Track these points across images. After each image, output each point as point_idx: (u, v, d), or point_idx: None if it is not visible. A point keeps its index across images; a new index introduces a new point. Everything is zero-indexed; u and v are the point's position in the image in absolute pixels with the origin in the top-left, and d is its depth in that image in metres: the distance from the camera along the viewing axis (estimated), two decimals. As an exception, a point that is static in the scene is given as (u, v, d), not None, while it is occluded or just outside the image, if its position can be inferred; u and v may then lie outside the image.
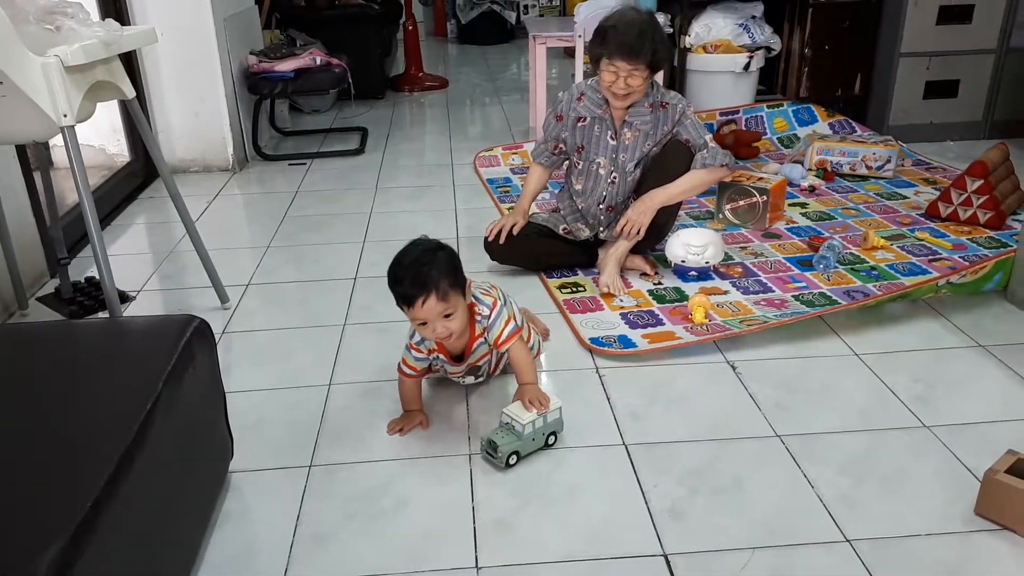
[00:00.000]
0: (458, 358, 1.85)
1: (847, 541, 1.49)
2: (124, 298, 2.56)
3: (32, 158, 2.64)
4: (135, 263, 2.88)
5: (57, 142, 2.05)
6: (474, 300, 1.79)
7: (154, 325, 1.59)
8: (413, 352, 1.81)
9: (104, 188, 3.40)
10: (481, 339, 1.81)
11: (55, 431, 1.22)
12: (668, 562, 1.45)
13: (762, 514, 1.57)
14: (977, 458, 1.68)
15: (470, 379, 1.94)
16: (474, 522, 1.55)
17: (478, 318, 1.78)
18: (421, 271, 1.64)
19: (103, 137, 3.81)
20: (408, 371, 1.83)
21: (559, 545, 1.49)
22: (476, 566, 1.45)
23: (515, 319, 1.84)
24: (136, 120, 2.20)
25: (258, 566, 1.48)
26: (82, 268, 2.74)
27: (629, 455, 1.75)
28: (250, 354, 2.22)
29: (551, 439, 1.75)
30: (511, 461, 1.67)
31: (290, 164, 4.01)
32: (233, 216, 3.41)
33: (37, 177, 2.46)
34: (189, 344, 1.46)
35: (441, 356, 1.82)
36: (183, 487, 1.41)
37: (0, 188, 2.29)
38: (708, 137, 2.49)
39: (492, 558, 1.46)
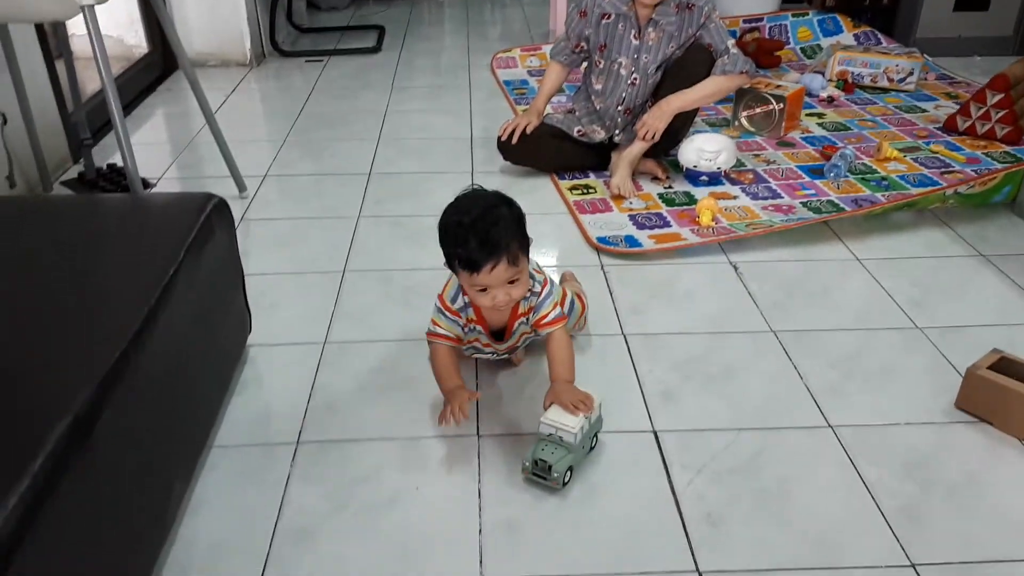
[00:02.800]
0: (497, 335, 1.61)
1: (829, 427, 1.58)
2: (145, 185, 2.61)
3: (53, 45, 2.66)
4: (154, 152, 2.93)
5: (77, 31, 2.08)
6: None
7: (175, 201, 1.65)
8: (448, 315, 1.55)
9: (123, 79, 3.41)
10: (523, 318, 1.57)
11: (83, 292, 1.30)
12: (657, 438, 1.54)
13: (750, 400, 1.65)
14: (965, 358, 1.73)
15: (491, 356, 1.70)
16: (476, 377, 1.63)
17: (528, 294, 1.52)
18: (491, 232, 1.38)
19: (121, 28, 3.79)
20: (442, 332, 1.55)
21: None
22: (477, 433, 1.55)
23: (562, 306, 1.61)
24: (155, 7, 2.21)
25: (273, 428, 1.58)
26: (104, 156, 2.79)
27: (627, 344, 1.83)
28: (267, 240, 2.29)
29: (594, 440, 1.50)
30: (567, 479, 1.41)
31: (307, 60, 4.00)
32: (251, 110, 3.43)
33: (59, 66, 2.49)
34: (209, 219, 1.52)
35: (479, 328, 1.58)
36: (204, 352, 1.50)
37: (24, 74, 2.32)
38: (731, 43, 2.47)
39: (488, 427, 1.56)
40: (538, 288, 1.54)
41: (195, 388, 1.45)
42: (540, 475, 1.39)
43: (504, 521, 1.36)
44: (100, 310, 1.24)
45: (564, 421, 1.41)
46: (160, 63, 3.74)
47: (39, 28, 2.55)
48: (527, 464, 1.41)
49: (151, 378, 1.22)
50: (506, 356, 1.70)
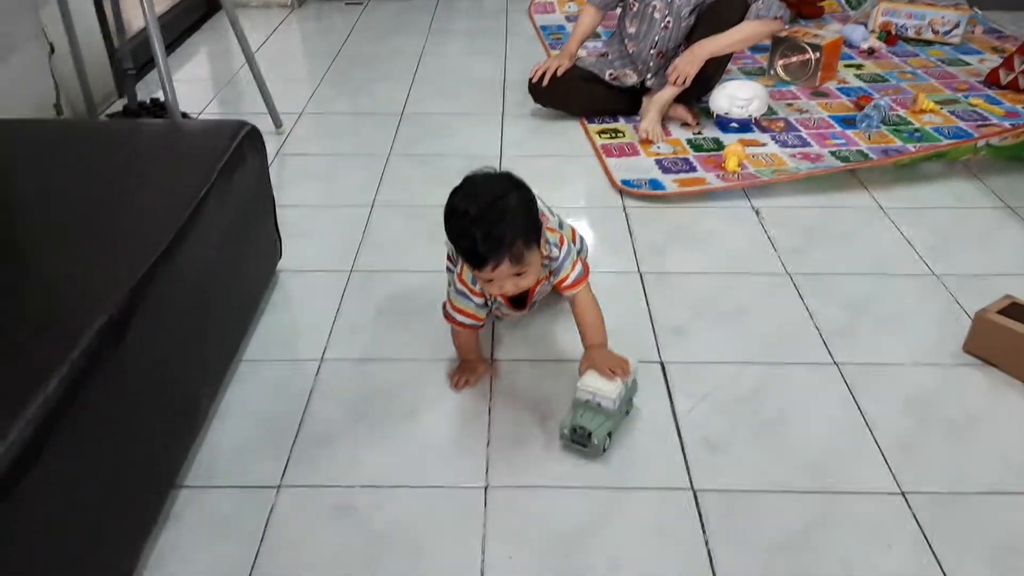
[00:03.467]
0: (518, 302, 1.58)
1: (835, 364, 1.61)
2: (184, 117, 2.70)
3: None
4: (196, 88, 3.01)
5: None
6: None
7: (210, 127, 1.73)
8: (470, 295, 1.48)
9: (167, 16, 3.49)
10: (544, 282, 1.51)
11: (120, 207, 1.38)
12: (664, 368, 1.60)
13: (759, 337, 1.69)
14: (979, 305, 1.74)
15: (508, 319, 1.69)
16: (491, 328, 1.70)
17: (545, 262, 1.44)
18: (494, 230, 1.29)
19: (166, -33, 3.86)
20: (463, 319, 1.50)
21: (569, 346, 1.64)
22: (492, 358, 1.62)
23: (573, 242, 1.57)
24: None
25: (299, 346, 1.67)
26: (149, 91, 2.88)
27: (642, 281, 1.87)
28: (300, 174, 2.37)
29: (631, 405, 1.48)
30: (607, 445, 1.39)
31: (347, 3, 4.03)
32: (290, 50, 3.49)
33: (106, 1, 2.56)
34: (241, 145, 1.60)
35: (499, 299, 1.55)
36: (233, 271, 1.58)
37: (71, 7, 2.40)
38: (765, -15, 2.45)
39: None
40: (556, 252, 1.44)
41: (224, 303, 1.53)
42: (579, 442, 1.37)
43: (510, 437, 1.44)
44: (135, 224, 1.33)
45: (601, 387, 1.38)
46: (204, 2, 3.81)
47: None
48: (565, 431, 1.38)
49: (181, 289, 1.30)
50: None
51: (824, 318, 1.74)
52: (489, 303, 1.53)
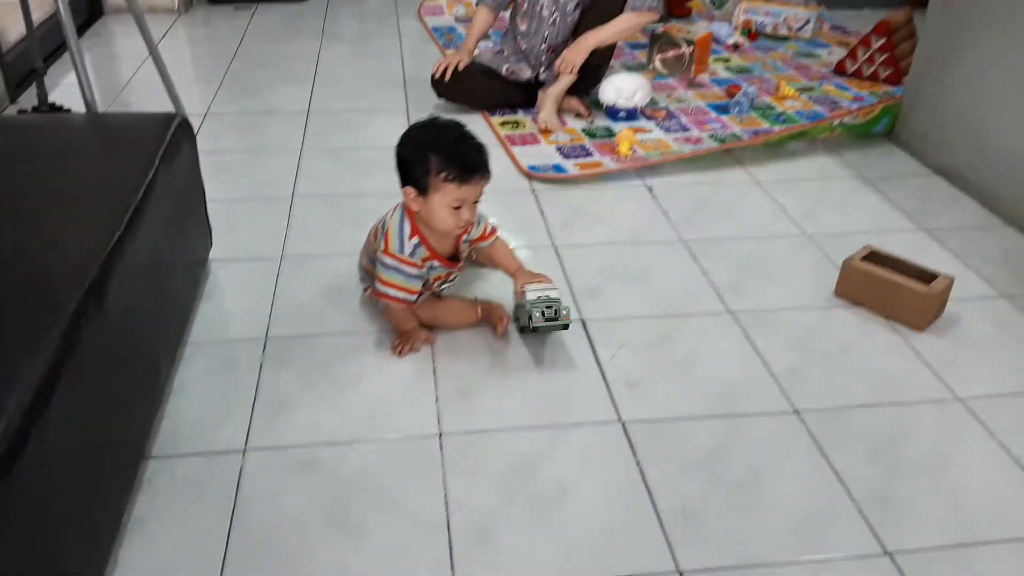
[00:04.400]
0: (451, 258, 1.71)
1: (728, 312, 1.84)
2: (87, 122, 2.68)
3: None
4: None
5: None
6: None
7: (139, 119, 1.78)
8: (407, 268, 1.60)
9: (47, 25, 3.40)
10: (464, 237, 1.70)
11: (70, 199, 1.42)
12: (584, 325, 1.78)
13: (660, 295, 1.90)
14: (845, 257, 2.02)
15: (447, 286, 1.81)
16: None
17: None
18: (484, 151, 1.56)
19: (42, -29, 3.75)
20: (397, 294, 1.62)
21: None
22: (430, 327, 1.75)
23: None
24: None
25: (242, 327, 1.75)
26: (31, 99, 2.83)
27: (557, 253, 2.05)
28: (217, 170, 2.39)
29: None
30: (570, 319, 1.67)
31: (236, 8, 4.04)
32: (183, 54, 3.49)
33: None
34: (176, 134, 1.66)
35: (434, 262, 1.66)
36: (176, 255, 1.65)
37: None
38: (641, -17, 2.69)
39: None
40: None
41: (172, 285, 1.60)
42: (551, 319, 1.63)
43: (456, 389, 1.58)
44: (95, 206, 1.38)
45: (543, 285, 1.67)
46: (86, 9, 3.73)
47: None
48: (531, 320, 1.62)
49: (140, 265, 1.37)
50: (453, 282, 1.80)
51: (717, 275, 1.97)
52: (423, 270, 1.64)
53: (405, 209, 1.63)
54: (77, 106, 2.56)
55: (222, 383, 1.58)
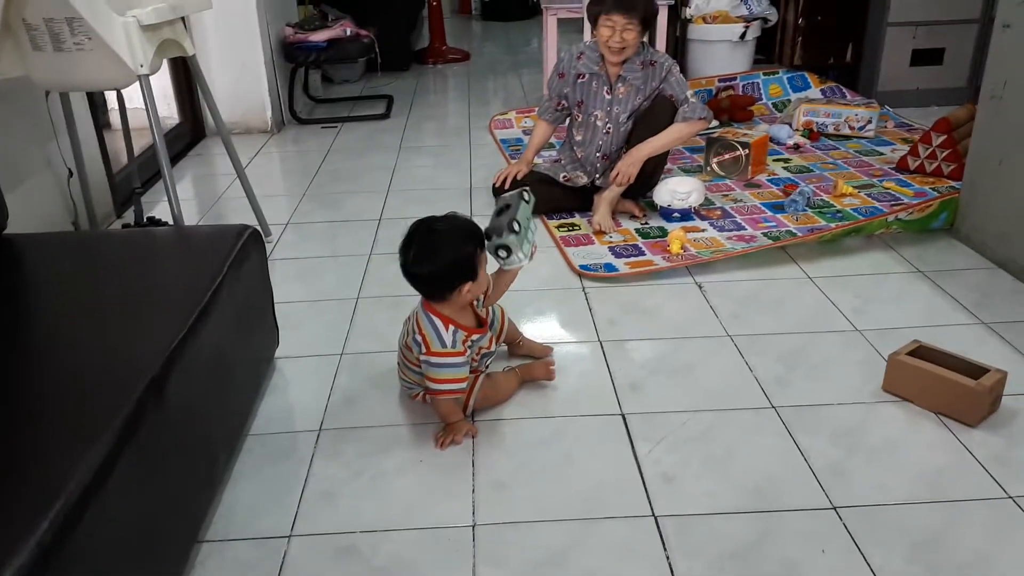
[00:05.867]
0: (479, 325, 1.83)
1: (772, 407, 1.85)
2: (181, 233, 2.96)
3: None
4: (187, 207, 3.26)
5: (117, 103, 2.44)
6: None
7: (215, 230, 1.98)
8: (454, 359, 1.71)
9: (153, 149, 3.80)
10: (476, 304, 1.85)
11: (144, 298, 1.60)
12: (624, 419, 1.82)
13: (706, 389, 1.92)
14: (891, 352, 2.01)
15: (490, 360, 1.91)
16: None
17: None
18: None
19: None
20: (452, 387, 1.73)
21: (541, 405, 1.86)
22: (473, 419, 1.83)
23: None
24: (195, 75, 2.59)
25: (299, 420, 1.86)
26: (144, 211, 3.14)
27: (602, 349, 2.11)
28: (290, 275, 2.61)
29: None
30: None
31: (323, 127, 4.40)
32: (272, 170, 3.80)
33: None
34: (246, 243, 1.84)
35: (473, 336, 1.76)
36: (241, 353, 1.79)
37: (79, 136, 2.69)
38: (689, 93, 2.82)
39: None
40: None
41: (234, 381, 1.74)
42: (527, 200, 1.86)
43: (492, 481, 1.64)
44: (163, 308, 1.55)
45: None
46: (189, 133, 4.14)
47: (89, 96, 2.93)
48: (504, 228, 1.76)
49: (202, 363, 1.51)
50: (493, 354, 1.91)
51: (762, 370, 1.98)
52: (467, 353, 1.74)
53: (425, 311, 1.75)
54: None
55: (276, 472, 1.69)
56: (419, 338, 1.73)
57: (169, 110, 4.23)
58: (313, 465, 1.70)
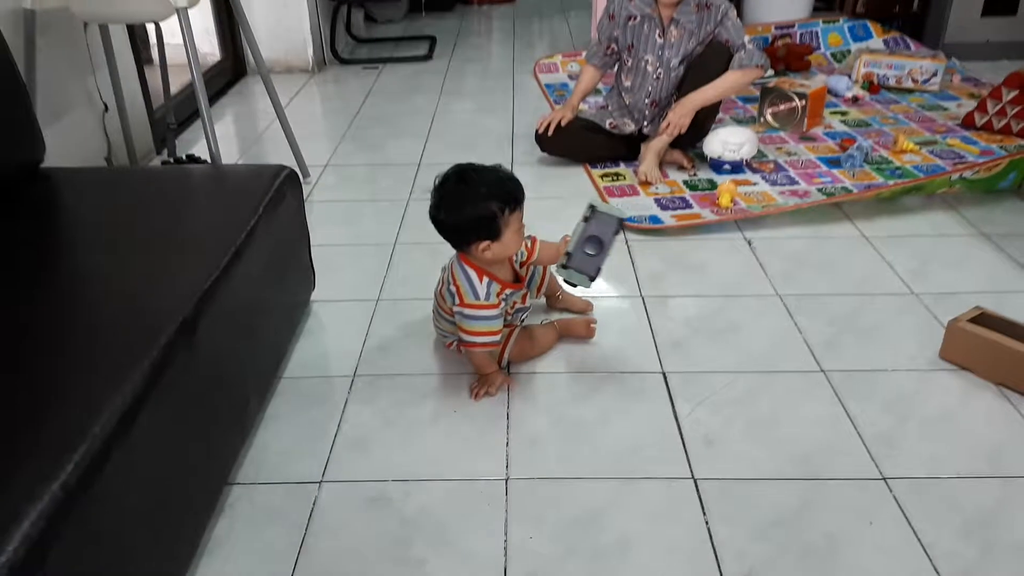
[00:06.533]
0: (516, 280, 1.77)
1: (821, 371, 1.77)
2: (220, 172, 2.93)
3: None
4: (226, 145, 3.24)
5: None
6: None
7: (252, 170, 1.93)
8: (487, 312, 1.66)
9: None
10: (516, 260, 1.79)
11: (178, 238, 1.57)
12: (665, 377, 1.76)
13: (751, 351, 1.85)
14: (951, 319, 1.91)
15: (525, 315, 1.86)
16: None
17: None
18: (512, 175, 1.68)
19: (197, 37, 4.14)
20: (486, 340, 1.68)
21: (578, 360, 1.81)
22: (508, 370, 1.78)
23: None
24: (235, 10, 2.52)
25: (333, 365, 1.84)
26: (183, 148, 3.11)
27: (644, 304, 2.04)
28: (328, 218, 2.57)
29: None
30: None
31: (364, 68, 4.31)
32: (312, 110, 3.75)
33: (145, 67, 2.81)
34: (282, 184, 1.80)
35: (508, 291, 1.70)
36: (275, 295, 1.76)
37: (119, 72, 2.66)
38: (746, 39, 2.67)
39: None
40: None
41: (268, 323, 1.71)
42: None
43: (527, 436, 1.59)
44: (197, 247, 1.51)
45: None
46: (231, 69, 4.09)
47: (130, 31, 2.89)
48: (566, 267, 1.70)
49: (235, 305, 1.48)
50: (530, 308, 1.86)
51: (811, 333, 1.90)
52: (501, 306, 1.69)
53: (460, 262, 1.69)
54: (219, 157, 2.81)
55: (309, 417, 1.67)
56: (453, 288, 1.68)
57: (211, 47, 4.18)
58: (346, 411, 1.68)
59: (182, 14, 2.16)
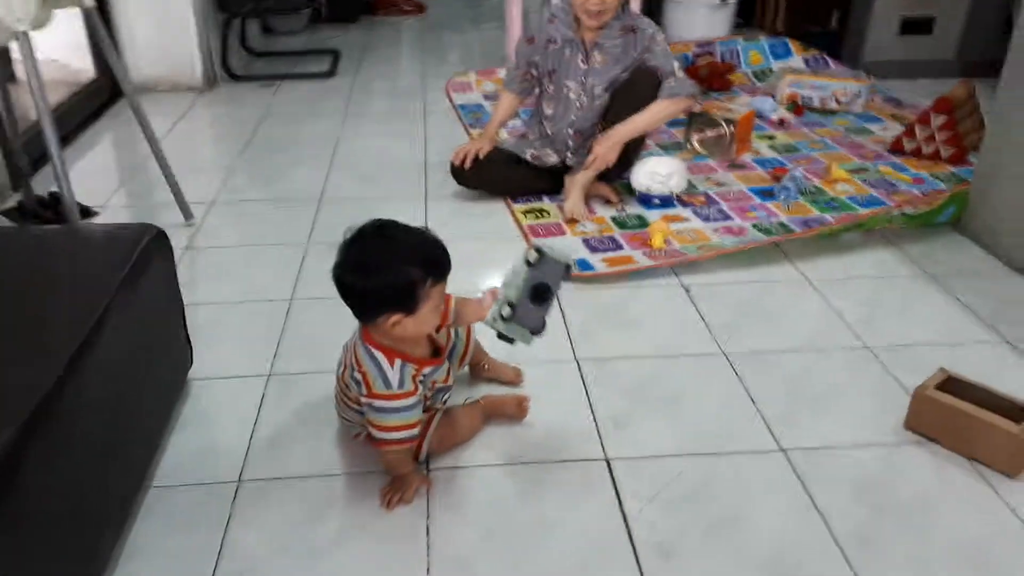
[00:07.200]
0: (435, 353, 1.51)
1: (780, 450, 1.57)
2: (88, 213, 2.55)
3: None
4: (100, 179, 2.86)
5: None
6: None
7: (111, 233, 1.60)
8: (402, 402, 1.39)
9: (67, 104, 3.34)
10: (442, 330, 1.54)
11: (16, 324, 1.25)
12: (609, 465, 1.52)
13: (700, 426, 1.64)
14: (913, 377, 1.72)
15: (447, 396, 1.59)
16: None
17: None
18: (438, 240, 1.39)
19: (67, 51, 3.71)
20: (401, 435, 1.41)
21: (509, 447, 1.56)
22: (427, 468, 1.51)
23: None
24: (95, 33, 2.17)
25: (214, 467, 1.52)
26: (49, 183, 2.71)
27: (579, 369, 1.81)
28: (213, 269, 2.24)
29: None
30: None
31: (260, 85, 3.96)
32: (200, 135, 3.38)
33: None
34: (146, 251, 1.48)
35: (426, 369, 1.44)
36: (142, 386, 1.45)
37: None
38: (676, 65, 2.48)
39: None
40: None
41: (132, 423, 1.40)
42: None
43: (451, 556, 1.33)
44: (32, 343, 1.19)
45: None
46: (108, 88, 3.66)
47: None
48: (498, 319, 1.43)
49: (85, 411, 1.17)
50: (451, 388, 1.59)
51: (765, 400, 1.70)
52: (420, 390, 1.42)
53: (363, 341, 1.41)
54: (89, 195, 2.45)
55: (182, 544, 1.36)
56: (359, 375, 1.40)
57: (84, 61, 3.75)
58: (228, 534, 1.37)
59: (22, 39, 1.80)
